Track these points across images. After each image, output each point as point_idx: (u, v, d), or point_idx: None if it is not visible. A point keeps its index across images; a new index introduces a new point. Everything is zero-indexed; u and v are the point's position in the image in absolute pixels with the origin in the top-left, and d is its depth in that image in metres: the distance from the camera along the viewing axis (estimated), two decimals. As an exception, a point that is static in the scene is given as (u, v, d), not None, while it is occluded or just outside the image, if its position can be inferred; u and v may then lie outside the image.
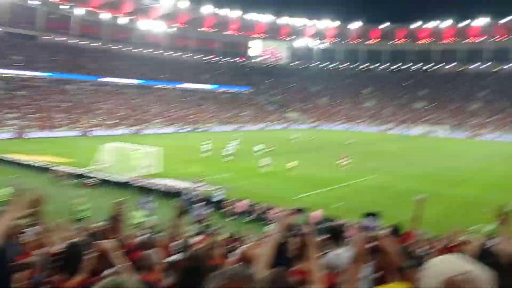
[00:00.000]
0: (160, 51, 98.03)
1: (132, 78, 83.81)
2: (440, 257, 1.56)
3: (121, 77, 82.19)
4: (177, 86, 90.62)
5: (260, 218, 21.84)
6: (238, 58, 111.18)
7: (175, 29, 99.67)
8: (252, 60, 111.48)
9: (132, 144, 36.51)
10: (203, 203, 23.51)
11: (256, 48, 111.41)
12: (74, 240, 4.41)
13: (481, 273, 1.40)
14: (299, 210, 2.87)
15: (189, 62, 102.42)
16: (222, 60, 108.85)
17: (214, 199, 24.80)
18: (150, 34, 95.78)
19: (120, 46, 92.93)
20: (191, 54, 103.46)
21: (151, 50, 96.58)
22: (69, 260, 3.51)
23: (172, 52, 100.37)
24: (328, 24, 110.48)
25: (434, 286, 1.41)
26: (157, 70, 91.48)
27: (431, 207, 24.56)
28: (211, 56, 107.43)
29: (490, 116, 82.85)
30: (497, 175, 35.06)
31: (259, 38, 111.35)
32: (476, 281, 1.38)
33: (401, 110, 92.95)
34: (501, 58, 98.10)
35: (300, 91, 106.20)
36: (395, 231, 10.21)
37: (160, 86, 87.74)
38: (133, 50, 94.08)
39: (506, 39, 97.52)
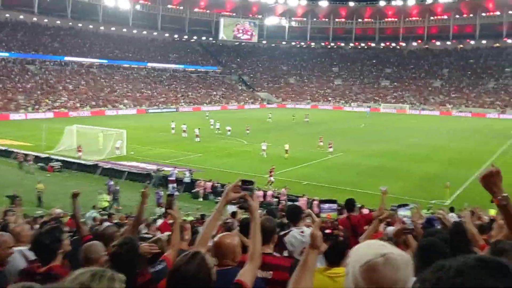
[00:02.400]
0: (127, 29, 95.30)
1: (98, 57, 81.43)
2: (365, 242, 1.66)
3: (86, 56, 79.76)
4: (145, 65, 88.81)
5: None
6: (207, 37, 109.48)
7: (141, 5, 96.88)
8: (222, 39, 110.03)
9: (98, 127, 35.88)
10: (174, 184, 23.58)
11: (226, 26, 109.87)
12: None
13: (400, 256, 1.46)
14: (248, 182, 2.94)
15: (157, 41, 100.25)
16: (191, 38, 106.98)
17: (184, 180, 24.88)
18: (116, 11, 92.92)
19: (85, 24, 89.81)
20: (159, 32, 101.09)
21: (117, 27, 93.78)
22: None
23: (139, 30, 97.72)
24: (298, 2, 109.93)
25: (357, 270, 1.47)
26: (124, 49, 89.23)
27: (395, 183, 25.44)
28: (179, 35, 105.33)
29: (452, 93, 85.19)
30: (457, 150, 36.32)
31: (229, 16, 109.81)
32: (394, 263, 1.42)
33: (368, 88, 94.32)
34: (464, 36, 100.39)
35: (270, 69, 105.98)
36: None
37: (127, 65, 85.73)
38: (99, 28, 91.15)
39: (469, 16, 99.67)
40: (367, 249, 1.49)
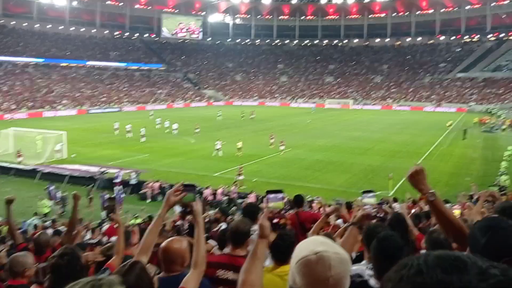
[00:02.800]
0: (64, 27, 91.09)
1: (33, 56, 77.30)
2: (307, 238, 1.68)
3: (20, 55, 75.43)
4: (84, 64, 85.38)
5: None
6: (149, 34, 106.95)
7: (78, 2, 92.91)
8: (165, 36, 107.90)
9: (36, 129, 34.10)
10: (120, 186, 22.85)
11: (169, 23, 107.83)
12: None
13: (334, 254, 1.49)
14: (190, 186, 2.84)
15: (96, 38, 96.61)
16: (133, 36, 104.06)
17: (131, 182, 24.18)
18: (52, 8, 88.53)
19: (19, 22, 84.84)
20: (98, 29, 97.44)
21: (53, 25, 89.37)
22: None
23: (77, 28, 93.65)
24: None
25: (293, 266, 1.52)
26: (61, 47, 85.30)
27: (340, 176, 26.16)
28: (120, 32, 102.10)
29: (392, 88, 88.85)
30: (398, 143, 37.88)
31: (171, 12, 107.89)
32: (326, 261, 1.46)
33: (313, 84, 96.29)
34: (401, 33, 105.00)
35: (216, 67, 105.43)
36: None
37: (65, 64, 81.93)
38: (34, 26, 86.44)
39: (405, 14, 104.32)
40: (304, 246, 1.55)
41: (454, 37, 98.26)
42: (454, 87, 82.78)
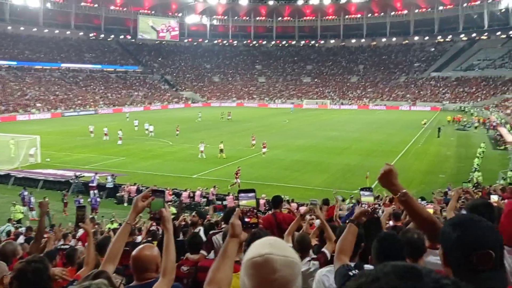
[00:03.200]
0: (38, 28, 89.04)
1: (6, 59, 75.40)
2: (261, 239, 1.64)
3: (-9, 58, 73.54)
4: (59, 66, 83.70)
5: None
6: (125, 35, 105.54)
7: (52, 4, 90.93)
8: (141, 37, 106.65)
9: (9, 133, 33.28)
10: (95, 191, 22.49)
11: (145, 25, 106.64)
12: None
13: (281, 257, 1.47)
14: (158, 192, 2.78)
15: (71, 40, 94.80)
16: (108, 37, 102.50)
17: (107, 185, 23.82)
18: (25, 9, 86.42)
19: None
20: (73, 31, 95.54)
21: (27, 27, 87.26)
22: None
23: (51, 29, 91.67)
24: (218, 1, 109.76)
25: (242, 267, 1.53)
26: (34, 50, 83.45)
27: (319, 176, 26.34)
28: (95, 33, 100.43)
29: (368, 87, 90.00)
30: (374, 142, 38.37)
31: (147, 14, 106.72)
32: (271, 264, 1.44)
33: (291, 85, 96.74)
34: (376, 33, 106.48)
35: (193, 68, 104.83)
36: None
37: (39, 67, 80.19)
38: (6, 28, 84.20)
39: (380, 15, 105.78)
40: (253, 247, 1.53)
41: (428, 37, 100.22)
42: (428, 86, 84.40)
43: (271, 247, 1.50)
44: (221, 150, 31.06)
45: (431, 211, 6.39)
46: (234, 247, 2.10)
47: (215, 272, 2.00)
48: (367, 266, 3.07)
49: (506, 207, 2.63)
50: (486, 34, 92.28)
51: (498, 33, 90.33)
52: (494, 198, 7.71)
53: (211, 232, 5.48)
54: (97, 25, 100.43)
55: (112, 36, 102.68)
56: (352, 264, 2.86)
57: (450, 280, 0.92)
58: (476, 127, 47.98)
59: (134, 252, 3.01)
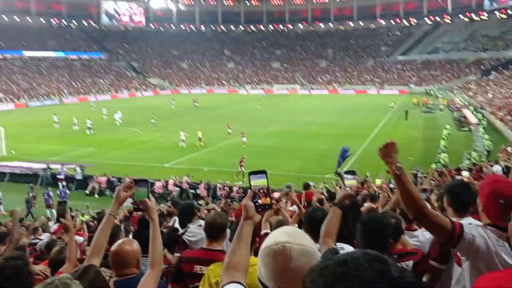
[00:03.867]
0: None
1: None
2: (279, 228, 1.65)
3: None
4: (21, 54, 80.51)
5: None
6: (89, 21, 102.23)
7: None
8: (106, 23, 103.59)
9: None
10: (63, 183, 21.96)
11: (109, 10, 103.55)
12: None
13: (298, 245, 1.48)
14: (142, 181, 2.69)
15: (32, 27, 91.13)
16: (71, 24, 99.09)
17: (76, 177, 23.29)
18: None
19: None
20: (34, 18, 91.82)
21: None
22: None
23: (10, 16, 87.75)
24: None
25: (259, 255, 1.55)
26: (-8, 37, 79.94)
27: (292, 161, 26.52)
28: (57, 20, 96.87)
29: (337, 72, 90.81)
30: (345, 126, 38.91)
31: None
32: (288, 252, 1.46)
33: (260, 70, 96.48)
34: (344, 18, 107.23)
35: (160, 55, 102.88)
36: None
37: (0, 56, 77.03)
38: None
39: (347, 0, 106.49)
40: (272, 236, 1.56)
41: (393, 21, 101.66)
42: (395, 70, 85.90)
43: (288, 236, 1.52)
44: (200, 138, 30.75)
45: (378, 182, 6.50)
46: (249, 230, 2.07)
47: (231, 256, 1.98)
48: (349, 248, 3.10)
49: (485, 189, 2.64)
50: (449, 17, 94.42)
51: (461, 16, 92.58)
52: (465, 174, 7.94)
53: (179, 232, 5.41)
54: (59, 11, 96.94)
55: (75, 22, 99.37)
56: (340, 247, 2.88)
57: (412, 275, 0.95)
58: (441, 110, 49.29)
59: (113, 247, 2.93)
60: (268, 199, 2.17)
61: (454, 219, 3.08)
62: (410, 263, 3.15)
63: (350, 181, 3.30)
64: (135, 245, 3.03)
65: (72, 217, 8.68)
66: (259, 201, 2.16)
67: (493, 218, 2.56)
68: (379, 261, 0.96)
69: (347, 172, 3.41)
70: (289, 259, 1.45)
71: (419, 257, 3.22)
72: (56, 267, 3.70)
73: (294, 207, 7.64)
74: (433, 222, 2.44)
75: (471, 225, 2.60)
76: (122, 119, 41.26)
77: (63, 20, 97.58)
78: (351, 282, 0.93)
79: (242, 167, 23.74)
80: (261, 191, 2.18)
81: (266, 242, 1.54)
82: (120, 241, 3.06)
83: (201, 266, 3.52)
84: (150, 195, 2.69)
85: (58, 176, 22.23)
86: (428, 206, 2.48)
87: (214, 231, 3.63)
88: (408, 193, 2.36)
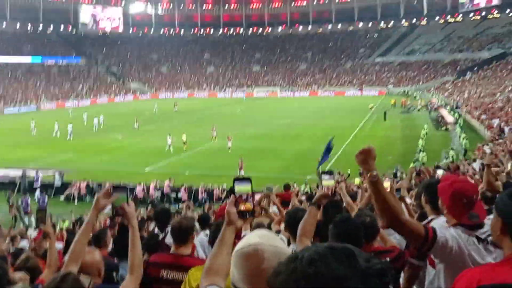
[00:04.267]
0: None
1: None
2: (254, 231, 1.67)
3: None
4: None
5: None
6: (66, 27, 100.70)
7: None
8: (83, 28, 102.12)
9: None
10: (39, 189, 21.55)
11: (87, 15, 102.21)
12: None
13: (271, 247, 1.48)
14: (120, 188, 2.66)
15: (7, 33, 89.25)
16: (48, 29, 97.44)
17: (55, 183, 22.91)
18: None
19: None
20: (9, 23, 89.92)
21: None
22: None
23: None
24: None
25: (234, 258, 1.54)
26: (-35, 43, 78.11)
27: (273, 163, 26.62)
28: (33, 25, 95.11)
29: (317, 74, 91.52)
30: (325, 127, 39.17)
31: (89, 3, 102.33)
32: (260, 254, 1.46)
33: (240, 73, 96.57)
34: (322, 21, 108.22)
35: (139, 59, 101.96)
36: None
37: (-29, 61, 75.20)
38: None
39: (325, 2, 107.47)
40: (245, 239, 1.56)
41: (371, 23, 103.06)
42: (374, 71, 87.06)
43: (260, 238, 1.52)
44: (184, 142, 30.59)
45: (386, 184, 6.60)
46: (231, 235, 2.09)
47: (212, 260, 1.98)
48: None
49: (446, 191, 2.66)
50: (425, 19, 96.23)
51: (437, 18, 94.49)
52: (440, 172, 8.10)
53: (160, 237, 5.38)
54: (35, 16, 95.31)
55: (52, 27, 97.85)
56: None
57: (377, 259, 0.96)
58: (419, 110, 50.16)
59: None
60: (249, 205, 2.17)
61: (433, 216, 3.16)
62: (387, 260, 3.16)
63: (327, 181, 3.35)
64: (97, 254, 3.01)
65: (54, 225, 8.58)
66: (242, 207, 2.17)
67: (459, 217, 2.61)
68: (346, 254, 0.94)
69: (325, 173, 3.46)
70: (261, 260, 1.45)
71: (396, 254, 3.23)
72: (32, 275, 3.64)
73: (275, 208, 7.71)
74: (407, 229, 2.46)
75: (444, 227, 2.63)
76: (104, 124, 40.75)
77: (40, 25, 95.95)
78: (323, 282, 0.90)
79: (241, 170, 23.81)
80: (245, 197, 2.19)
81: (239, 245, 1.54)
82: None
83: (168, 271, 3.46)
84: (130, 201, 2.69)
85: (36, 183, 21.84)
86: (406, 212, 2.51)
87: (181, 235, 3.55)
88: (383, 200, 2.34)
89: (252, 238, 1.53)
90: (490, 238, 2.42)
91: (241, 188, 2.20)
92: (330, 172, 3.48)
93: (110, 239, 4.93)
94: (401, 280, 3.25)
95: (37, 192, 20.78)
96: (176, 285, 3.11)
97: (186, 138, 30.97)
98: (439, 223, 2.77)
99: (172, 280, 3.38)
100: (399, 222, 2.41)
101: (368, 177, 2.36)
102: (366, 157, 2.40)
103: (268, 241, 1.51)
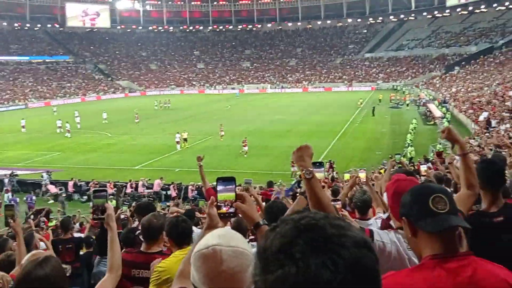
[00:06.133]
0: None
1: None
2: (212, 231, 1.62)
3: None
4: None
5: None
6: (53, 24, 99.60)
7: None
8: (71, 25, 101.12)
9: None
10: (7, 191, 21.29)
11: (74, 12, 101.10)
12: None
13: (229, 248, 1.45)
14: (98, 191, 2.67)
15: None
16: (35, 27, 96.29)
17: (43, 183, 22.72)
18: None
19: None
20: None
21: None
22: None
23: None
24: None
25: (193, 260, 1.50)
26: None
27: (263, 159, 26.67)
28: (20, 23, 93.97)
29: (307, 70, 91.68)
30: (315, 123, 39.32)
31: (75, 1, 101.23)
32: (218, 255, 1.43)
33: (230, 70, 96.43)
34: (311, 17, 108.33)
35: (128, 56, 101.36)
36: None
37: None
38: None
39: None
40: (204, 240, 1.51)
41: (360, 20, 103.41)
42: (363, 67, 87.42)
43: (220, 238, 1.48)
44: (185, 139, 30.46)
45: (362, 175, 6.65)
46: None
47: (186, 264, 1.90)
48: None
49: (389, 191, 2.54)
50: (413, 15, 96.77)
51: (425, 13, 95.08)
52: (423, 168, 8.22)
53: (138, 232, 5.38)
54: (21, 14, 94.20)
55: (39, 25, 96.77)
56: None
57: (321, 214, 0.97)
58: (407, 105, 50.50)
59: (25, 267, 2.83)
60: (232, 207, 2.09)
61: (381, 214, 3.15)
62: None
63: (317, 174, 3.39)
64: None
65: (39, 224, 8.54)
66: (224, 208, 2.09)
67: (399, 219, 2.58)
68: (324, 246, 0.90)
69: (314, 164, 3.48)
70: (220, 261, 1.41)
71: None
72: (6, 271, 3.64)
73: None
74: None
75: (383, 231, 2.59)
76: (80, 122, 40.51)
77: (27, 23, 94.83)
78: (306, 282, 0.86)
79: (245, 147, 27.18)
80: (227, 202, 2.09)
81: (197, 246, 1.50)
82: (34, 259, 2.96)
83: (138, 270, 3.45)
84: (108, 203, 2.71)
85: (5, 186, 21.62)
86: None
87: (151, 233, 3.50)
88: (317, 198, 2.30)
89: (211, 238, 1.49)
90: None
91: (224, 195, 2.09)
92: (320, 164, 3.49)
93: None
94: None
95: (8, 194, 20.32)
96: (147, 283, 3.11)
97: (187, 136, 30.90)
98: (375, 230, 2.71)
99: (143, 278, 3.38)
100: None
101: (303, 173, 2.32)
102: (302, 154, 2.37)
103: (228, 241, 1.47)
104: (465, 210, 2.56)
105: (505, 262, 1.76)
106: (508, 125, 26.58)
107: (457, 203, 2.51)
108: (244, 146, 27.89)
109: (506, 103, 33.48)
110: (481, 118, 30.89)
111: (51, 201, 20.69)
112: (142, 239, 3.68)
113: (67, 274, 2.52)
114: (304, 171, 2.30)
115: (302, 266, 0.86)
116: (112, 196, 17.95)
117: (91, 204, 2.87)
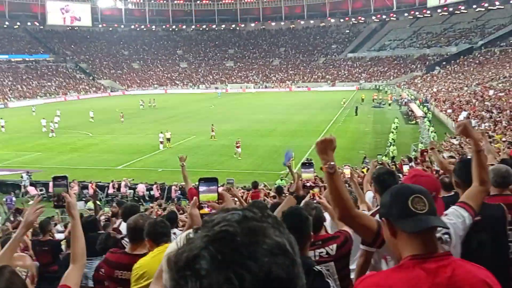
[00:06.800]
0: None
1: None
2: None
3: None
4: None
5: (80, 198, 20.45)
6: (33, 22, 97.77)
7: None
8: (51, 24, 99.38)
9: None
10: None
11: (54, 10, 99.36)
12: None
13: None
14: (60, 178, 2.59)
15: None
16: (14, 25, 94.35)
17: (23, 184, 22.27)
18: None
19: None
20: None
21: None
22: None
23: None
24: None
25: (163, 262, 1.46)
26: None
27: (246, 159, 26.63)
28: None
29: (290, 70, 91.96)
30: (298, 123, 39.47)
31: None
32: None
33: (214, 70, 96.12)
34: (294, 16, 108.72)
35: (110, 55, 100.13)
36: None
37: None
38: None
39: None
40: (174, 243, 1.46)
41: (342, 19, 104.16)
42: (346, 67, 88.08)
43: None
44: (168, 139, 30.18)
45: (347, 171, 6.69)
46: None
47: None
48: None
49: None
50: (395, 15, 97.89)
51: (406, 14, 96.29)
52: (406, 168, 8.31)
53: (120, 236, 5.28)
54: (0, 12, 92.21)
55: (18, 23, 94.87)
56: None
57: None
58: (390, 104, 51.05)
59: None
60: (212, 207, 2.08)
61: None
62: (334, 246, 3.13)
63: (307, 175, 3.35)
64: (27, 260, 2.99)
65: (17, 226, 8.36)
66: (206, 209, 2.06)
67: None
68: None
69: (304, 164, 3.42)
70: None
71: (342, 239, 3.20)
72: None
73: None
74: (358, 224, 2.46)
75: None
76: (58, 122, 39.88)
77: (5, 21, 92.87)
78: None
79: (238, 148, 26.40)
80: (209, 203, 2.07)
81: (168, 249, 1.43)
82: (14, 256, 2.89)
83: (122, 272, 3.40)
84: (70, 191, 2.64)
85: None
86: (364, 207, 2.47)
87: (138, 234, 3.42)
88: (339, 193, 2.33)
89: (181, 241, 1.44)
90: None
91: (207, 195, 2.08)
92: (309, 164, 3.43)
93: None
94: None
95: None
96: (130, 284, 3.08)
97: (170, 135, 30.63)
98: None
99: (126, 280, 3.32)
100: (350, 215, 2.42)
101: (325, 167, 2.34)
102: (326, 147, 2.38)
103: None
104: (475, 205, 2.57)
105: (480, 261, 1.78)
106: (487, 124, 27.11)
107: (469, 198, 2.58)
108: (237, 147, 26.99)
109: (485, 103, 34.14)
110: (460, 117, 31.37)
111: (31, 202, 20.30)
112: (126, 243, 3.62)
113: (26, 279, 2.44)
114: (327, 165, 2.29)
115: (206, 284, 0.79)
116: (90, 199, 17.71)
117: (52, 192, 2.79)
